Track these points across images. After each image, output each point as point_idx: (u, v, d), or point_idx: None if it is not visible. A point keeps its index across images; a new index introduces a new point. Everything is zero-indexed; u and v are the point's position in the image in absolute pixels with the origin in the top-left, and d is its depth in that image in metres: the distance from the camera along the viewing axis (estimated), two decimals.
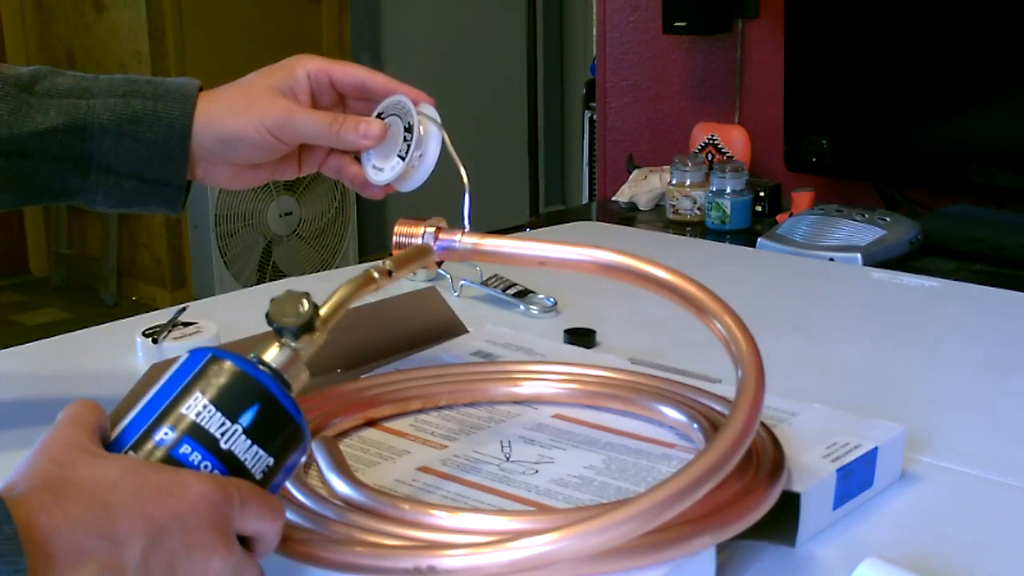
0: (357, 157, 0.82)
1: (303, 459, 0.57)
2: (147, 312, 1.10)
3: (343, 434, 0.73)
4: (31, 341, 1.03)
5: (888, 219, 1.82)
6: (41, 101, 0.77)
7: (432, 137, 0.79)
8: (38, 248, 4.17)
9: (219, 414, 0.52)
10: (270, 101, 0.78)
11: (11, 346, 1.01)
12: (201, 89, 0.79)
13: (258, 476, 0.53)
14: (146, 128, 0.77)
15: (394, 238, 0.77)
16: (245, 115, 0.78)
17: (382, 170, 0.80)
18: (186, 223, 3.61)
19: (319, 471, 0.64)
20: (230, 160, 0.80)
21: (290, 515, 0.59)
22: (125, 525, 0.48)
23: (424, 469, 0.68)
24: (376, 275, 0.67)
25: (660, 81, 2.45)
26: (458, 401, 0.78)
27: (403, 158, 0.79)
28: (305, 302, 0.58)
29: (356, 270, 1.45)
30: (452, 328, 0.93)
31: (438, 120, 0.80)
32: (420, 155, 0.79)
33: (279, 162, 0.82)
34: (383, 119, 0.80)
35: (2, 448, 0.79)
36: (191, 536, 0.49)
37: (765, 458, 0.64)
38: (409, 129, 0.79)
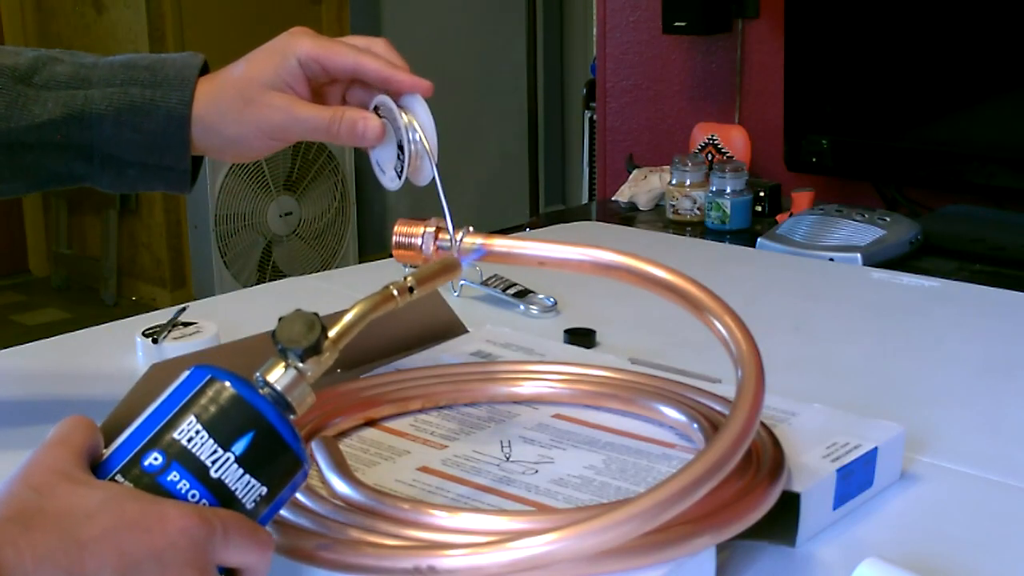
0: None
1: (300, 485, 0.55)
2: (147, 312, 1.10)
3: (343, 434, 0.73)
4: (31, 341, 1.03)
5: (888, 219, 1.82)
6: (39, 93, 0.77)
7: (425, 161, 0.78)
8: (38, 248, 4.17)
9: (211, 441, 0.51)
10: (267, 103, 0.77)
11: (11, 346, 1.01)
12: (203, 69, 0.79)
13: (249, 506, 0.52)
14: (144, 117, 0.77)
15: (394, 238, 0.77)
16: (243, 120, 0.77)
17: (384, 173, 0.80)
18: (186, 223, 3.61)
19: (319, 471, 0.64)
20: (235, 154, 0.80)
21: (290, 515, 0.59)
22: (95, 562, 0.46)
23: (424, 469, 0.68)
24: (396, 292, 0.63)
25: (660, 81, 2.45)
26: (458, 401, 0.78)
27: (399, 174, 0.79)
28: (314, 323, 0.56)
29: (356, 270, 1.45)
30: (452, 328, 0.93)
31: (430, 119, 0.78)
32: (413, 171, 0.79)
33: None
34: (380, 115, 0.80)
35: (2, 448, 0.79)
36: (167, 573, 0.48)
37: (765, 458, 0.64)
38: (401, 147, 0.78)
